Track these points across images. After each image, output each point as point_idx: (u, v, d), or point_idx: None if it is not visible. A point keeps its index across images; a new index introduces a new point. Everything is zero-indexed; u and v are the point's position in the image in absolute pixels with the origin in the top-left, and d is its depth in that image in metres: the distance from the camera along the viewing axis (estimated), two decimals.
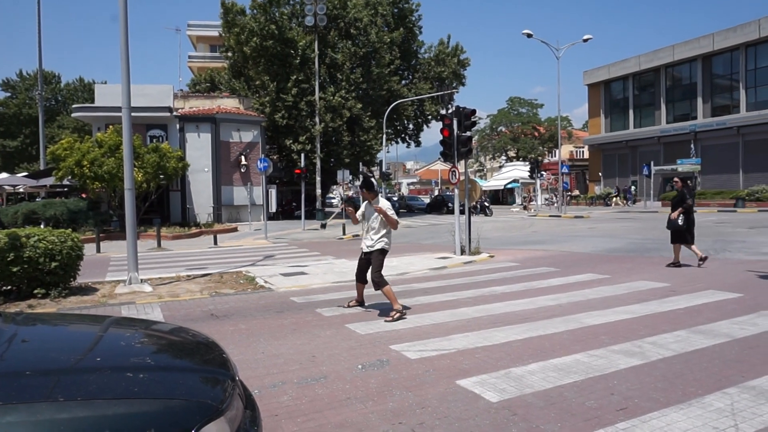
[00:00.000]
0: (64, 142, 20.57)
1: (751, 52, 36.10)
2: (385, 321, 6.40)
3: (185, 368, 2.25)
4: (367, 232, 7.06)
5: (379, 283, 6.73)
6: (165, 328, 3.30)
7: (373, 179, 7.60)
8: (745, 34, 35.56)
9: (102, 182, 20.08)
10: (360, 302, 7.33)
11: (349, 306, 7.32)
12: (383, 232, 6.98)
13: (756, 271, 9.37)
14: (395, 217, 6.95)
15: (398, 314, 6.49)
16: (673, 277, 8.95)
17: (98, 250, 15.73)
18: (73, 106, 29.01)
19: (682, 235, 10.38)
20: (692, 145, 35.54)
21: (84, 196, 23.42)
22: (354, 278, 7.58)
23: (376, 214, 6.89)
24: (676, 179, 11.23)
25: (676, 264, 10.27)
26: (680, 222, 10.32)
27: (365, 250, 7.04)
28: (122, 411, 1.71)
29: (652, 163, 36.56)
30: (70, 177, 20.71)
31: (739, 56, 36.52)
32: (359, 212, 7.21)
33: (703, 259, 10.13)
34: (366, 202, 7.14)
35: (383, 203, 6.97)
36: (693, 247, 10.39)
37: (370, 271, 6.93)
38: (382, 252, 6.93)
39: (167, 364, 2.29)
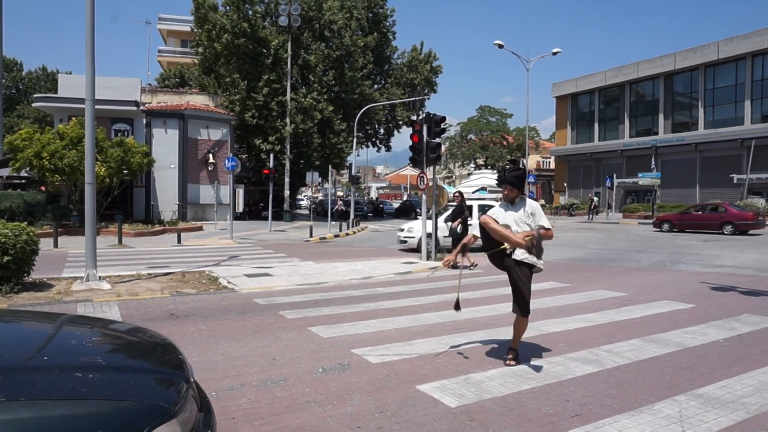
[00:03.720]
0: (23, 132, 19.87)
1: (710, 72, 37.62)
2: (507, 365, 4.87)
3: (138, 369, 2.20)
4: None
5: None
6: (121, 327, 3.21)
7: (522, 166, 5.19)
8: (704, 55, 37.05)
9: (62, 175, 19.46)
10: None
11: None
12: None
13: (708, 282, 9.73)
14: (549, 224, 4.91)
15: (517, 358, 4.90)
16: (630, 287, 9.22)
17: (56, 245, 15.22)
18: (35, 95, 28.07)
19: (461, 241, 11.60)
20: (653, 160, 36.74)
21: (43, 189, 22.65)
22: None
23: (524, 216, 4.81)
24: (456, 193, 12.77)
25: (467, 266, 11.67)
26: (459, 230, 11.91)
27: (518, 258, 4.75)
28: (68, 412, 1.66)
29: (615, 175, 37.64)
30: (28, 169, 20.00)
31: (699, 76, 38.00)
32: (497, 219, 4.81)
33: (474, 265, 11.72)
34: (503, 203, 5.02)
35: (532, 206, 4.91)
36: (467, 253, 11.68)
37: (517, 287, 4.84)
38: (531, 268, 4.85)
39: (119, 364, 2.24)
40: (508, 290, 8.84)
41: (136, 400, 1.84)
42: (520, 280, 4.78)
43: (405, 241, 16.03)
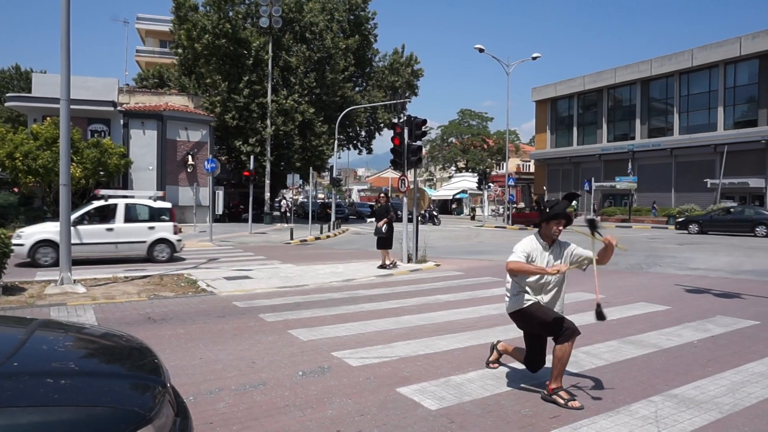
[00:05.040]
0: None
1: (684, 79, 38.42)
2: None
3: (112, 374, 2.16)
4: (548, 290, 4.17)
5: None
6: (95, 331, 3.15)
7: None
8: (679, 62, 37.83)
9: (36, 176, 19.07)
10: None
11: None
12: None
13: (683, 285, 9.92)
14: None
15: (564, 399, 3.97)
16: (608, 289, 9.34)
17: None
18: (8, 95, 27.42)
19: (385, 241, 12.13)
20: (630, 164, 37.34)
21: (16, 190, 22.14)
22: None
23: (571, 258, 4.22)
24: (381, 195, 13.08)
25: (383, 266, 11.87)
26: (384, 230, 12.03)
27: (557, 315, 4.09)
28: (38, 419, 1.61)
29: (593, 179, 38.18)
30: (0, 170, 19.53)
31: (674, 82, 38.78)
32: (537, 261, 4.13)
33: (393, 265, 11.97)
34: (537, 238, 4.23)
35: (570, 250, 4.27)
36: (389, 251, 12.21)
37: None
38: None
39: (93, 369, 2.19)
40: (489, 293, 8.94)
41: (110, 406, 1.80)
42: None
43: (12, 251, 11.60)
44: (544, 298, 4.14)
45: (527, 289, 4.14)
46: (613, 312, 7.43)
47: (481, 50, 33.30)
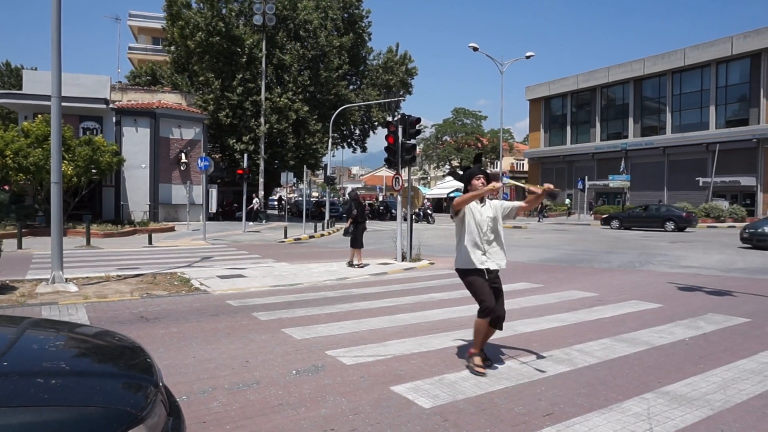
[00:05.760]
0: None
1: (677, 78, 38.66)
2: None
3: (104, 374, 2.14)
4: (486, 243, 4.68)
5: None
6: (87, 330, 3.13)
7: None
8: (671, 61, 38.07)
9: (27, 174, 18.92)
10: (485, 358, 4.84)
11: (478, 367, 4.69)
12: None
13: (675, 282, 9.98)
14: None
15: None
16: (601, 288, 9.39)
17: (20, 246, 14.77)
18: None
19: (354, 240, 12.19)
20: (623, 163, 37.53)
21: (6, 188, 21.96)
22: None
23: (496, 211, 4.76)
24: (346, 196, 12.98)
25: (351, 264, 11.96)
26: (350, 230, 12.23)
27: (494, 266, 4.69)
28: (29, 419, 1.60)
29: (586, 177, 38.36)
30: None
31: (666, 81, 39.01)
32: (464, 212, 4.73)
33: (362, 266, 11.87)
34: (475, 197, 4.67)
35: (494, 204, 4.85)
36: (360, 251, 12.15)
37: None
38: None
39: (84, 369, 2.17)
40: None
41: (102, 406, 1.79)
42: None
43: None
44: (488, 248, 4.68)
45: (474, 250, 4.66)
46: (606, 310, 7.48)
47: (475, 49, 33.31)
